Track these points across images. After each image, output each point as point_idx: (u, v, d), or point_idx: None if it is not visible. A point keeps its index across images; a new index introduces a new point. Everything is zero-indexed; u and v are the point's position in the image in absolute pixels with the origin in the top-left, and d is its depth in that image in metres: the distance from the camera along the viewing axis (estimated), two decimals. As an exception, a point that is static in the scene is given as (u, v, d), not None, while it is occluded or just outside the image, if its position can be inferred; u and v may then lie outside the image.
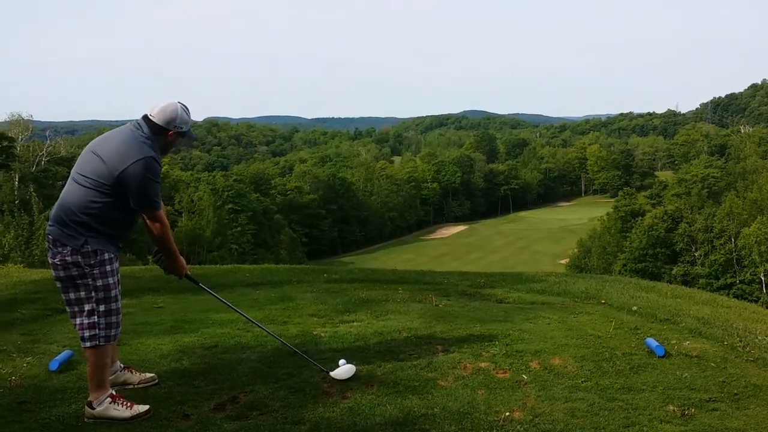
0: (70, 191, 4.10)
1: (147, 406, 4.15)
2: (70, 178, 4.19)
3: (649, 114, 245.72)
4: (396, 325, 6.16)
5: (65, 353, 5.07)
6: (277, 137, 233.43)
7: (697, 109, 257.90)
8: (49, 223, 4.14)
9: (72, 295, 4.14)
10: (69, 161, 55.66)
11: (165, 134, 4.20)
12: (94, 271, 4.06)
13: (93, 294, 4.09)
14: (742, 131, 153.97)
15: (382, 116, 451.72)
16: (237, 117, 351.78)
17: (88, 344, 4.12)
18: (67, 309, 4.22)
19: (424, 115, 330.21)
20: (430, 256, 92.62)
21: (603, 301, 7.47)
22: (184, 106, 4.25)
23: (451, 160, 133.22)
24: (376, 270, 11.31)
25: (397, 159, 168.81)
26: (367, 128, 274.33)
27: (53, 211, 4.15)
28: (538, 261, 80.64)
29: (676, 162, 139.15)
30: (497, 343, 5.56)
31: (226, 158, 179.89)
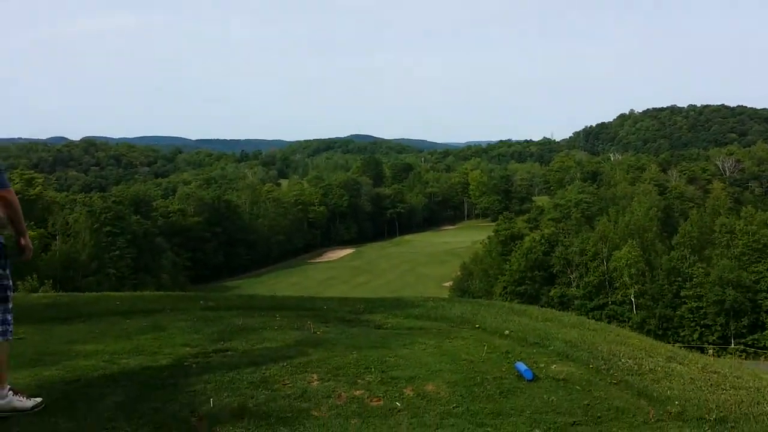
0: None
1: (40, 398, 4.51)
2: None
3: (527, 141, 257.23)
4: (271, 354, 6.04)
5: None
6: (159, 158, 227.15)
7: (570, 137, 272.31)
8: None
9: None
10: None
11: None
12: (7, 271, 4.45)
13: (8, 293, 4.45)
14: (612, 158, 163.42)
15: (269, 139, 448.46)
16: (117, 137, 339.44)
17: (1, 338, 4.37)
18: None
19: (312, 139, 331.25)
20: (316, 279, 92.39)
21: (477, 326, 7.64)
22: None
23: (338, 184, 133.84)
24: (255, 296, 11.14)
25: (284, 182, 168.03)
26: (254, 151, 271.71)
27: None
28: (423, 284, 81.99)
29: (551, 188, 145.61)
30: (373, 370, 5.56)
31: (105, 179, 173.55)
